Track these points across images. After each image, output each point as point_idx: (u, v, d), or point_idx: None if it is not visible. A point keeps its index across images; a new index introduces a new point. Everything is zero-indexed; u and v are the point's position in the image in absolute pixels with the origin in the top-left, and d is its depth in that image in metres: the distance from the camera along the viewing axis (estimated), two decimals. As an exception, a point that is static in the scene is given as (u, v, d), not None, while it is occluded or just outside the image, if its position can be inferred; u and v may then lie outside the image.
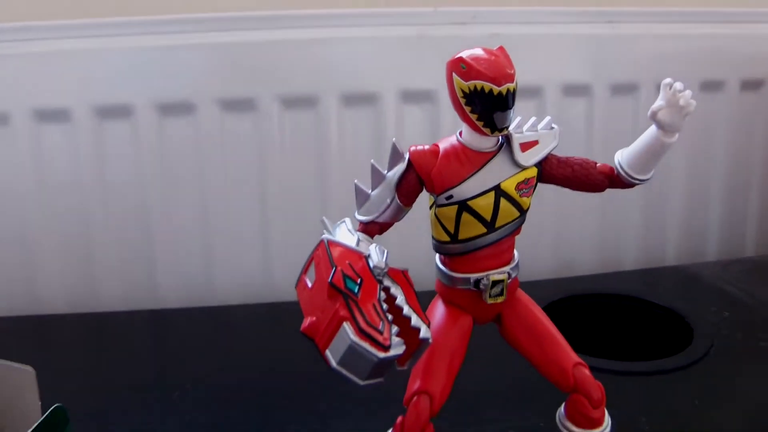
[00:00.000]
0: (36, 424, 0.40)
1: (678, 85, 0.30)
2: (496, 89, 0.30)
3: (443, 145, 0.33)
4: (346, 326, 0.28)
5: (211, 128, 0.68)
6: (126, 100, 0.66)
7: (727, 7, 0.77)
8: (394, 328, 0.28)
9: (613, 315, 0.65)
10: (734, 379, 0.53)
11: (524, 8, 0.72)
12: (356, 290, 0.29)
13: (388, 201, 0.33)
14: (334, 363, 0.28)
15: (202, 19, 0.67)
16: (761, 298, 0.65)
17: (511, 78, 0.30)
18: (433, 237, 0.34)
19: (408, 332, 0.29)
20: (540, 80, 0.73)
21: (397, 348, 0.28)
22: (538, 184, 0.34)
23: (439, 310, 0.34)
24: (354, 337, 0.28)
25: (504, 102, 0.30)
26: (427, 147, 0.33)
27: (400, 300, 0.30)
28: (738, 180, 0.82)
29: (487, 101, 0.30)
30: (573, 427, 0.35)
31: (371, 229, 0.33)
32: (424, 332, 0.29)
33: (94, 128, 0.66)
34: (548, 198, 0.74)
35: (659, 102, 0.31)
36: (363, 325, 0.28)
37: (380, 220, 0.33)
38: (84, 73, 0.65)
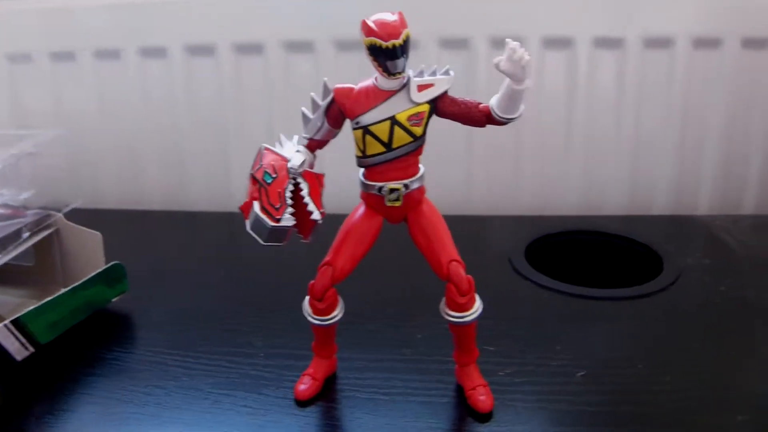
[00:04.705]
0: (97, 272, 0.56)
1: (514, 44, 0.39)
2: (384, 44, 0.39)
3: (360, 85, 0.43)
4: (255, 204, 0.41)
5: (277, 65, 0.81)
6: (211, 41, 0.81)
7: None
8: (290, 209, 0.40)
9: (601, 251, 0.72)
10: (676, 312, 0.58)
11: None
12: (270, 181, 0.41)
13: (319, 124, 0.44)
14: (248, 228, 0.41)
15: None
16: (752, 252, 0.69)
17: (396, 36, 0.39)
18: (355, 154, 0.45)
19: (308, 215, 0.41)
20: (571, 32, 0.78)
21: (287, 221, 0.40)
22: (436, 117, 0.43)
23: (359, 209, 0.46)
24: (258, 211, 0.40)
25: (392, 53, 0.40)
26: (347, 86, 0.43)
27: (305, 192, 0.41)
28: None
29: (380, 53, 0.40)
30: (447, 310, 0.45)
31: (311, 145, 0.45)
32: (315, 215, 0.41)
33: (186, 63, 0.82)
34: (578, 142, 0.81)
35: (501, 56, 0.39)
36: (265, 203, 0.40)
37: (317, 138, 0.44)
38: (179, 20, 0.81)
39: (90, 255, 0.59)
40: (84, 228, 0.59)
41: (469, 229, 0.75)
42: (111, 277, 0.58)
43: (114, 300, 0.59)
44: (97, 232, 0.59)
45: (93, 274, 0.56)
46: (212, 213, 0.85)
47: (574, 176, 0.84)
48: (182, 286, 0.65)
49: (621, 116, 0.81)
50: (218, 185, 0.87)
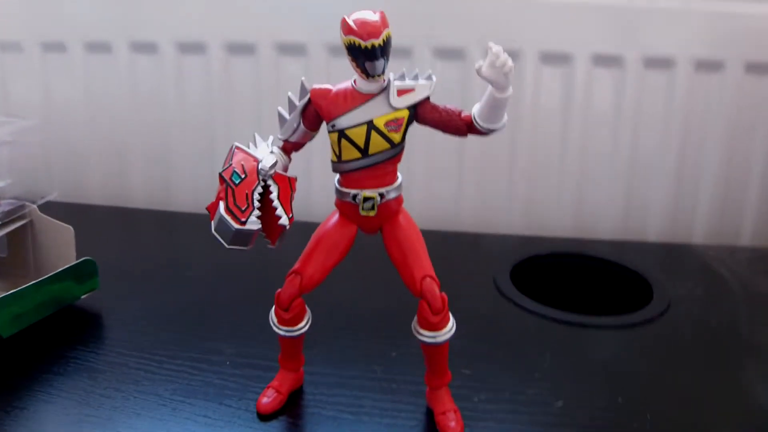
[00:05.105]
0: (67, 266, 0.54)
1: (497, 48, 0.37)
2: (363, 43, 0.38)
3: (339, 86, 0.41)
4: (221, 204, 0.39)
5: (268, 67, 0.80)
6: (202, 39, 0.80)
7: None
8: (256, 212, 0.39)
9: (590, 277, 0.70)
10: (663, 345, 0.56)
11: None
12: (237, 182, 0.39)
13: (295, 125, 0.42)
14: (212, 229, 0.39)
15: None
16: (747, 285, 0.66)
17: (376, 35, 0.38)
18: (330, 159, 0.43)
19: (276, 219, 0.39)
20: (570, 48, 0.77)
21: (252, 225, 0.38)
22: (417, 124, 0.41)
23: (333, 217, 0.44)
24: (222, 212, 0.39)
25: (372, 53, 0.38)
26: (325, 86, 0.42)
27: (274, 195, 0.40)
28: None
29: (358, 53, 0.38)
30: (418, 329, 0.43)
31: (286, 147, 0.43)
32: (283, 220, 0.39)
33: (176, 60, 0.81)
34: (573, 162, 0.79)
35: (482, 61, 0.37)
36: (230, 204, 0.39)
37: (292, 139, 0.43)
38: (171, 16, 0.80)
39: (61, 249, 0.58)
40: (56, 221, 0.57)
41: (455, 245, 0.74)
42: (81, 273, 0.56)
43: (84, 297, 0.57)
44: (69, 226, 0.57)
45: (61, 269, 0.54)
46: (195, 214, 0.83)
47: (567, 197, 0.82)
48: (157, 287, 0.63)
49: (617, 137, 0.79)
50: (203, 186, 0.85)
